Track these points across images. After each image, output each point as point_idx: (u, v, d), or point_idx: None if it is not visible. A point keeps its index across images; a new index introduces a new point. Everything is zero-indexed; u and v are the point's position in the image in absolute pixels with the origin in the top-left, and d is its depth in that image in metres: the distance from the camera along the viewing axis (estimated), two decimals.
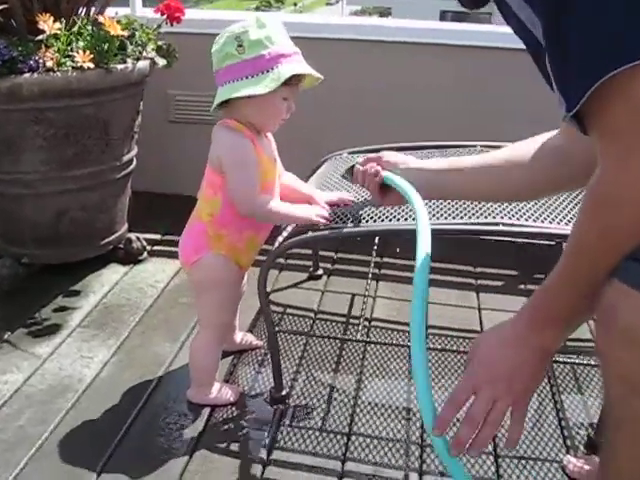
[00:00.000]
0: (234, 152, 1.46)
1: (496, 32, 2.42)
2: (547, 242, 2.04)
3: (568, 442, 1.54)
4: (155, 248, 2.39)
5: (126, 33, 1.96)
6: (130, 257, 2.28)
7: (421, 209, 1.19)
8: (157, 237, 2.48)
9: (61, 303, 2.03)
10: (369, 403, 1.65)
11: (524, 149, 1.21)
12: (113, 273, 2.22)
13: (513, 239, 1.78)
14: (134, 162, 2.24)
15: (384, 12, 25.74)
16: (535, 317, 0.94)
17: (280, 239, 1.57)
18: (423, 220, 1.15)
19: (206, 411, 1.60)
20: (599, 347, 0.96)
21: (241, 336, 1.82)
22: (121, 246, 2.28)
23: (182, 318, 1.97)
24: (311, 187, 1.68)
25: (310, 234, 1.51)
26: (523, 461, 1.48)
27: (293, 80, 1.42)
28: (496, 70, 2.49)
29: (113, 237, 2.23)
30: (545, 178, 1.19)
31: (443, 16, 15.66)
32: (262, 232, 1.60)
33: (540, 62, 0.86)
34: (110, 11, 2.18)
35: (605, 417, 1.03)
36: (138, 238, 2.30)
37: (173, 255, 2.34)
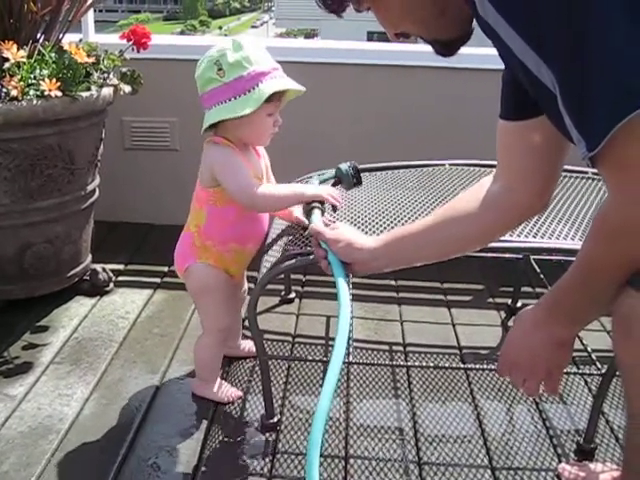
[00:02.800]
0: (225, 159, 1.51)
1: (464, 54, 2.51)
2: (514, 256, 2.11)
3: (559, 450, 1.58)
4: (120, 278, 2.33)
5: (91, 60, 1.91)
6: (96, 289, 2.21)
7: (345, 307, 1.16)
8: (120, 267, 2.42)
9: (29, 340, 1.94)
10: (361, 425, 1.65)
11: (464, 203, 1.26)
12: (80, 306, 2.14)
13: (482, 254, 1.82)
14: (97, 192, 2.19)
15: (309, 34, 26.11)
16: (547, 312, 1.04)
17: (267, 265, 1.56)
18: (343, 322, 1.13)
19: (198, 444, 1.56)
20: (619, 357, 0.99)
21: (244, 344, 1.88)
22: (86, 278, 2.21)
23: (159, 349, 1.93)
24: None
25: (301, 259, 1.50)
26: (520, 472, 1.51)
27: (275, 96, 1.47)
28: (467, 90, 2.56)
29: (79, 269, 2.16)
30: (489, 227, 1.24)
31: (370, 37, 15.97)
32: (248, 245, 1.64)
33: (539, 96, 0.91)
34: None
35: (628, 425, 1.06)
36: (104, 269, 2.23)
37: (140, 285, 2.30)
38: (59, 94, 1.81)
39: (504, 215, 1.22)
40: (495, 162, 1.34)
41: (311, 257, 1.47)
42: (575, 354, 1.92)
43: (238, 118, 1.45)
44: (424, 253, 1.29)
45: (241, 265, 1.67)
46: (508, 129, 1.16)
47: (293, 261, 1.51)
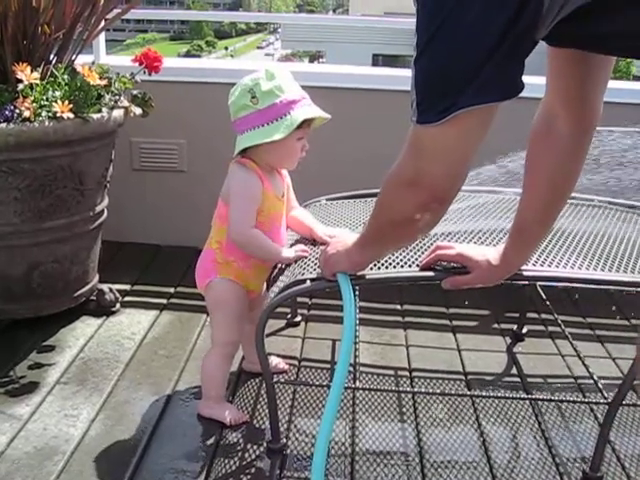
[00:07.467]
0: (241, 184, 1.61)
1: None
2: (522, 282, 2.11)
3: (565, 478, 1.57)
4: (126, 299, 2.34)
5: (103, 82, 1.94)
6: (103, 309, 2.21)
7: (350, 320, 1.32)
8: (127, 287, 2.42)
9: (35, 359, 1.95)
10: (366, 450, 1.65)
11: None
12: (87, 326, 2.15)
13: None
14: (105, 212, 2.20)
15: (314, 55, 26.33)
16: (360, 247, 1.34)
17: (276, 289, 1.57)
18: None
19: (204, 466, 1.55)
20: None
21: (270, 359, 1.85)
22: (93, 298, 2.22)
23: (164, 371, 1.93)
24: (314, 220, 1.76)
25: (309, 284, 1.50)
26: None
27: (305, 123, 1.57)
28: None
29: (86, 289, 2.16)
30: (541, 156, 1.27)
31: (375, 60, 16.13)
32: (268, 261, 1.70)
33: None
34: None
35: None
36: (110, 289, 2.24)
37: (146, 305, 2.31)
38: (71, 116, 1.83)
39: (551, 143, 1.23)
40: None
41: (311, 283, 1.48)
42: (581, 382, 1.94)
43: (270, 143, 1.53)
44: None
45: (261, 280, 1.73)
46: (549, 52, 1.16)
47: (302, 286, 1.51)
